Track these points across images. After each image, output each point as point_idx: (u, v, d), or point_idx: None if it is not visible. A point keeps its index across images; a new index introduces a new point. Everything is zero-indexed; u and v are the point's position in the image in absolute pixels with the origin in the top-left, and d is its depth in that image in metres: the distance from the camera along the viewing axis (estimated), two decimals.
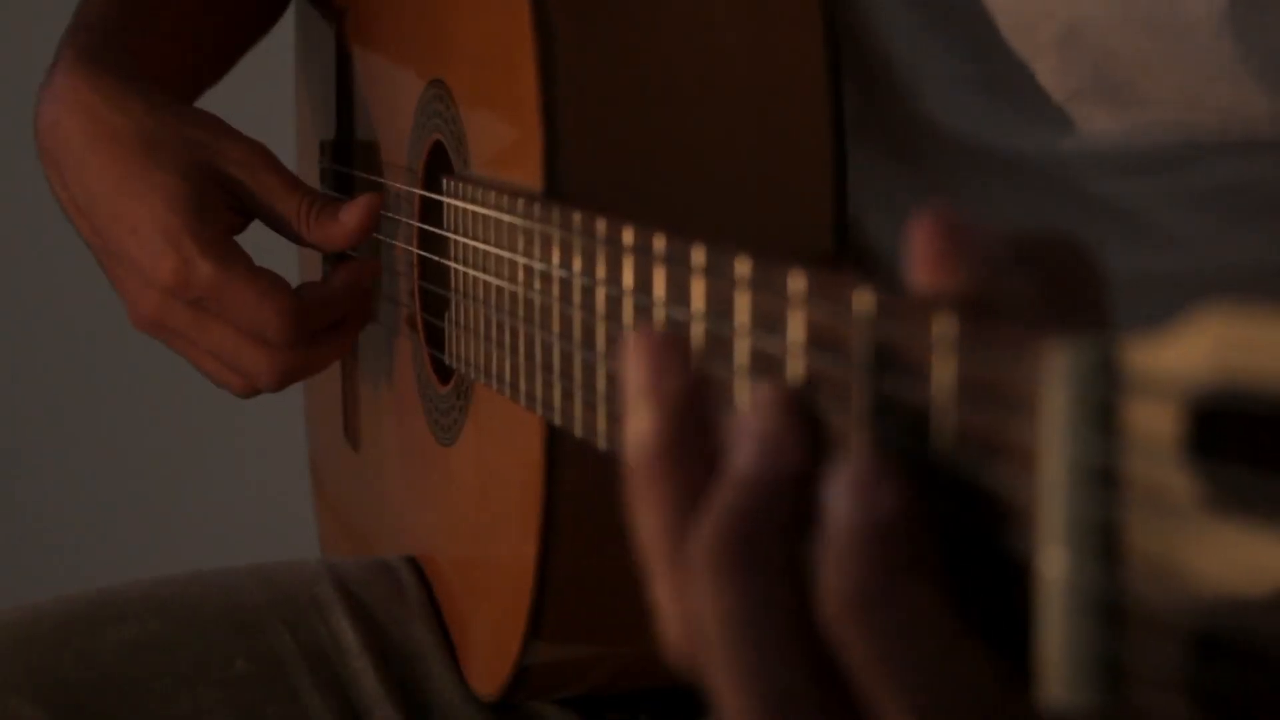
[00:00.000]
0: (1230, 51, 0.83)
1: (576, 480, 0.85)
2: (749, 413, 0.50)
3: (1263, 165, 0.87)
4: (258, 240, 1.06)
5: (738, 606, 0.48)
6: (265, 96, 1.38)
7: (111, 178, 1.03)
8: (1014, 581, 0.45)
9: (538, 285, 0.78)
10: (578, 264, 0.73)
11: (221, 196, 1.03)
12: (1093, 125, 0.88)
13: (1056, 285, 0.48)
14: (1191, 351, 0.40)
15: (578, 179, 0.83)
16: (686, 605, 0.51)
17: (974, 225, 0.47)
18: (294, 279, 1.06)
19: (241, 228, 1.05)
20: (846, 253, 0.87)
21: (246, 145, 1.03)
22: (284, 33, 1.26)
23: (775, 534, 0.49)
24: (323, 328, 1.03)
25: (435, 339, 1.00)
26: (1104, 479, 0.42)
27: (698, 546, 0.49)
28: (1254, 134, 0.86)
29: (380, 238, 1.09)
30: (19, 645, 1.00)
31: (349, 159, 1.17)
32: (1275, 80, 0.84)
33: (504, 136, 0.88)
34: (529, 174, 0.84)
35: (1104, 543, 0.42)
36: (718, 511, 0.49)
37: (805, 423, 0.50)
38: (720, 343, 0.59)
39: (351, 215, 1.02)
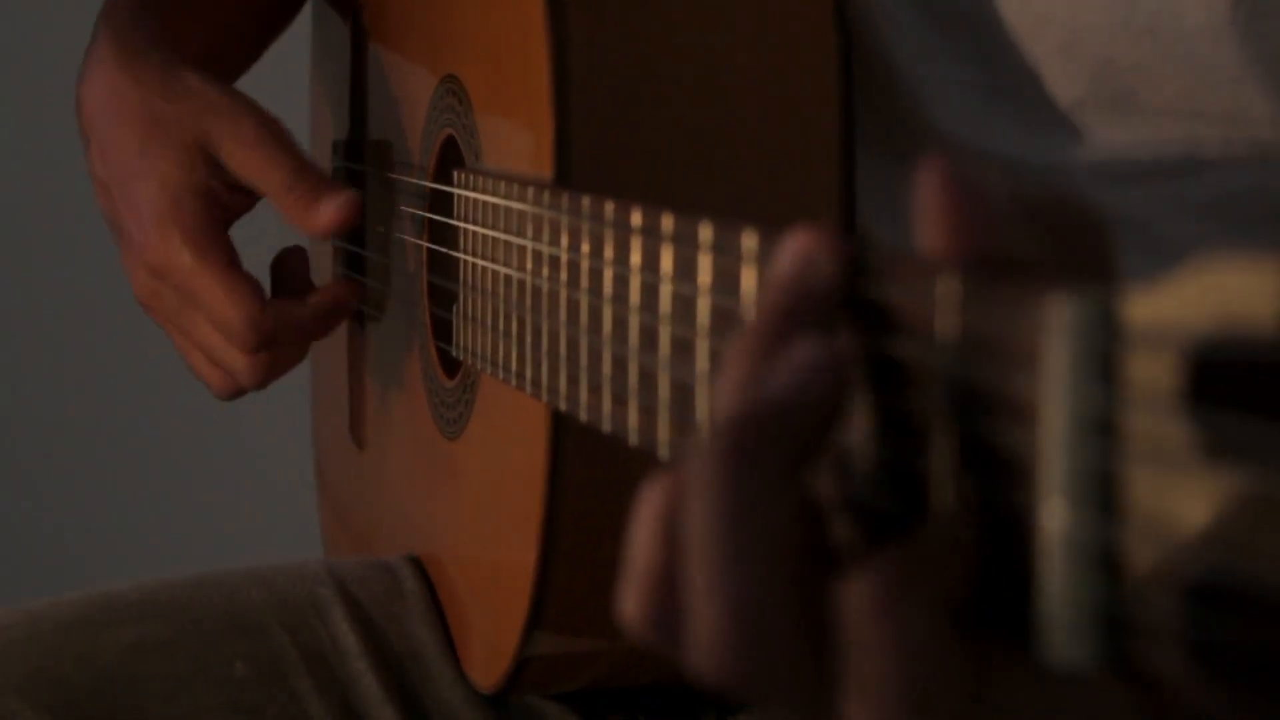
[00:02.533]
0: (1232, 57, 0.83)
1: (581, 472, 0.85)
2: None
3: (1266, 173, 0.87)
4: (261, 239, 1.06)
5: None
6: (280, 99, 1.38)
7: (123, 155, 1.04)
8: (1012, 538, 0.45)
9: (545, 271, 0.78)
10: (586, 247, 0.73)
11: (220, 175, 1.03)
12: (1095, 134, 0.88)
13: (1062, 242, 0.48)
14: (1189, 301, 0.40)
15: (587, 173, 0.84)
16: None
17: (981, 179, 0.47)
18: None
19: (245, 208, 1.05)
20: None
21: (248, 121, 1.03)
22: (300, 33, 1.27)
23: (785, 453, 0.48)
24: (287, 343, 1.04)
25: (442, 332, 1.01)
26: (1104, 430, 0.42)
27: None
28: (1257, 141, 0.86)
29: (392, 234, 1.09)
30: (19, 646, 0.99)
31: (361, 157, 1.17)
32: (1278, 85, 0.84)
33: (516, 130, 0.89)
34: (540, 167, 0.85)
35: (1104, 494, 0.42)
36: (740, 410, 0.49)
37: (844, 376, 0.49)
38: (726, 317, 0.59)
39: (327, 210, 1.02)
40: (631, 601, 0.51)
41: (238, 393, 1.06)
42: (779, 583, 0.47)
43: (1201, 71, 0.84)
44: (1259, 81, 0.83)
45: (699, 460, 0.48)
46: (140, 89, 1.04)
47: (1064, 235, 0.48)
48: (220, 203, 1.04)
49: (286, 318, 1.03)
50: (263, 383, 1.05)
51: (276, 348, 1.04)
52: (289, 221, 1.04)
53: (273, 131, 1.04)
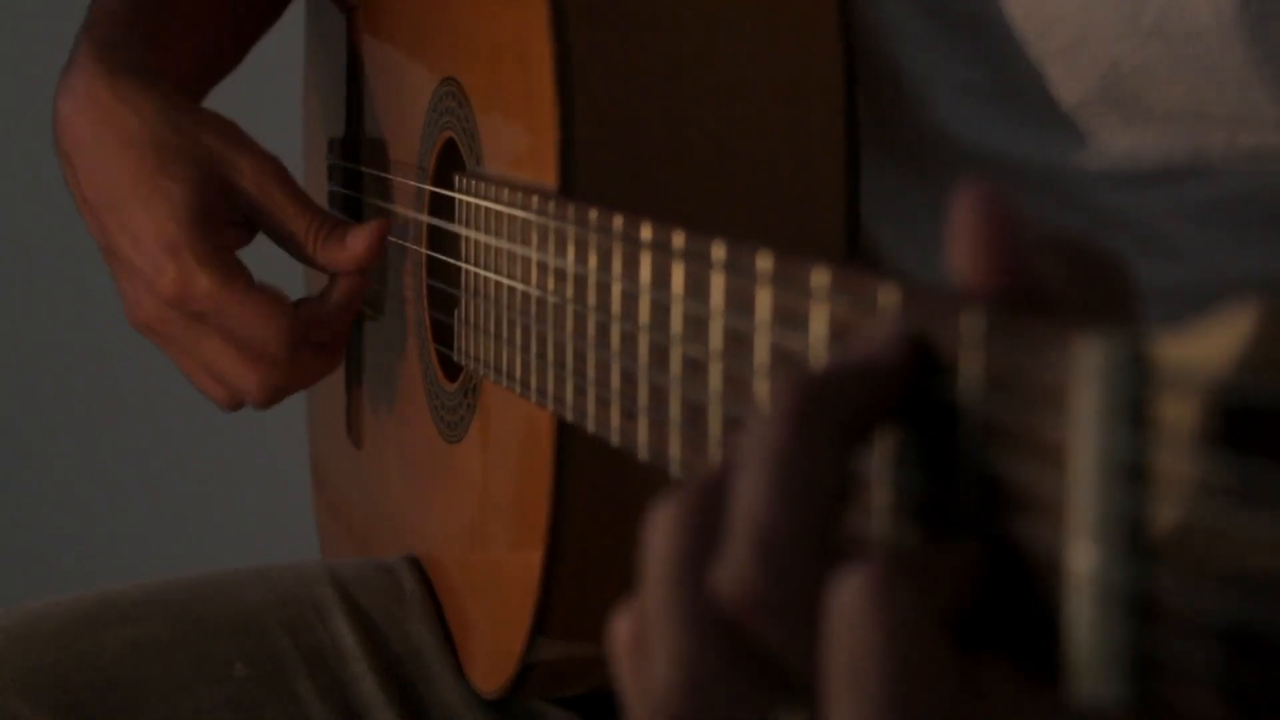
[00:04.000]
0: (1239, 58, 0.83)
1: (585, 477, 0.85)
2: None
3: (1271, 176, 0.87)
4: (262, 245, 1.06)
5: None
6: (273, 93, 1.37)
7: (121, 182, 1.02)
8: (1037, 577, 0.45)
9: (551, 283, 0.78)
10: (593, 261, 0.72)
11: (228, 210, 1.03)
12: (1100, 136, 0.87)
13: (1090, 286, 0.47)
14: (1222, 346, 0.40)
15: (592, 179, 0.83)
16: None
17: (1018, 208, 0.47)
18: (295, 289, 1.06)
19: (246, 241, 1.05)
20: (855, 258, 0.87)
21: (260, 159, 1.03)
22: (293, 28, 1.26)
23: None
24: (317, 343, 1.04)
25: (443, 336, 1.00)
26: (1135, 473, 0.41)
27: None
28: (1262, 143, 0.86)
29: (390, 237, 1.09)
30: (20, 647, 0.99)
31: (357, 156, 1.17)
32: None
33: (518, 135, 0.88)
34: (544, 172, 0.84)
35: (1134, 537, 0.42)
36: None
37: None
38: (739, 339, 0.59)
39: (359, 241, 1.03)
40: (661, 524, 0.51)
41: (240, 406, 1.06)
42: (810, 520, 0.47)
43: (1208, 73, 0.84)
44: (1266, 83, 0.83)
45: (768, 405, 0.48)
46: (137, 115, 1.03)
47: (1088, 274, 0.47)
48: (227, 232, 1.03)
49: (315, 315, 1.03)
50: (269, 401, 1.04)
51: (308, 348, 1.04)
52: (314, 260, 1.04)
53: (283, 172, 1.04)
